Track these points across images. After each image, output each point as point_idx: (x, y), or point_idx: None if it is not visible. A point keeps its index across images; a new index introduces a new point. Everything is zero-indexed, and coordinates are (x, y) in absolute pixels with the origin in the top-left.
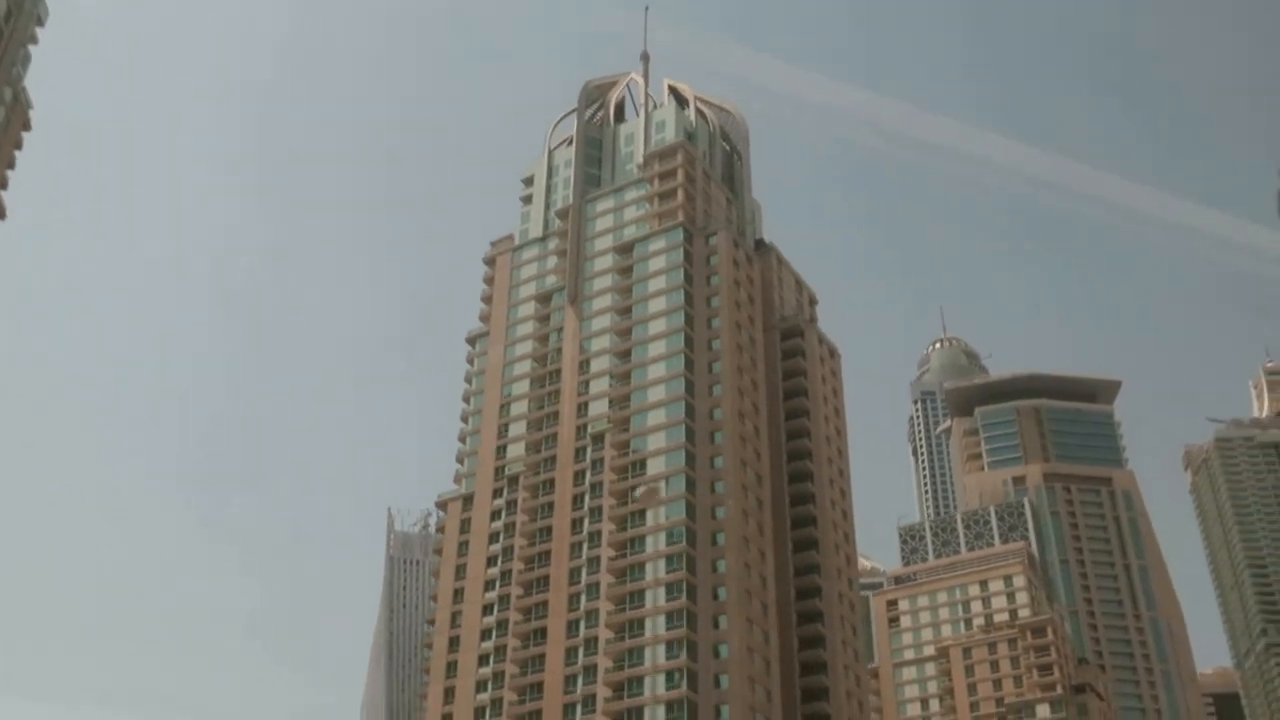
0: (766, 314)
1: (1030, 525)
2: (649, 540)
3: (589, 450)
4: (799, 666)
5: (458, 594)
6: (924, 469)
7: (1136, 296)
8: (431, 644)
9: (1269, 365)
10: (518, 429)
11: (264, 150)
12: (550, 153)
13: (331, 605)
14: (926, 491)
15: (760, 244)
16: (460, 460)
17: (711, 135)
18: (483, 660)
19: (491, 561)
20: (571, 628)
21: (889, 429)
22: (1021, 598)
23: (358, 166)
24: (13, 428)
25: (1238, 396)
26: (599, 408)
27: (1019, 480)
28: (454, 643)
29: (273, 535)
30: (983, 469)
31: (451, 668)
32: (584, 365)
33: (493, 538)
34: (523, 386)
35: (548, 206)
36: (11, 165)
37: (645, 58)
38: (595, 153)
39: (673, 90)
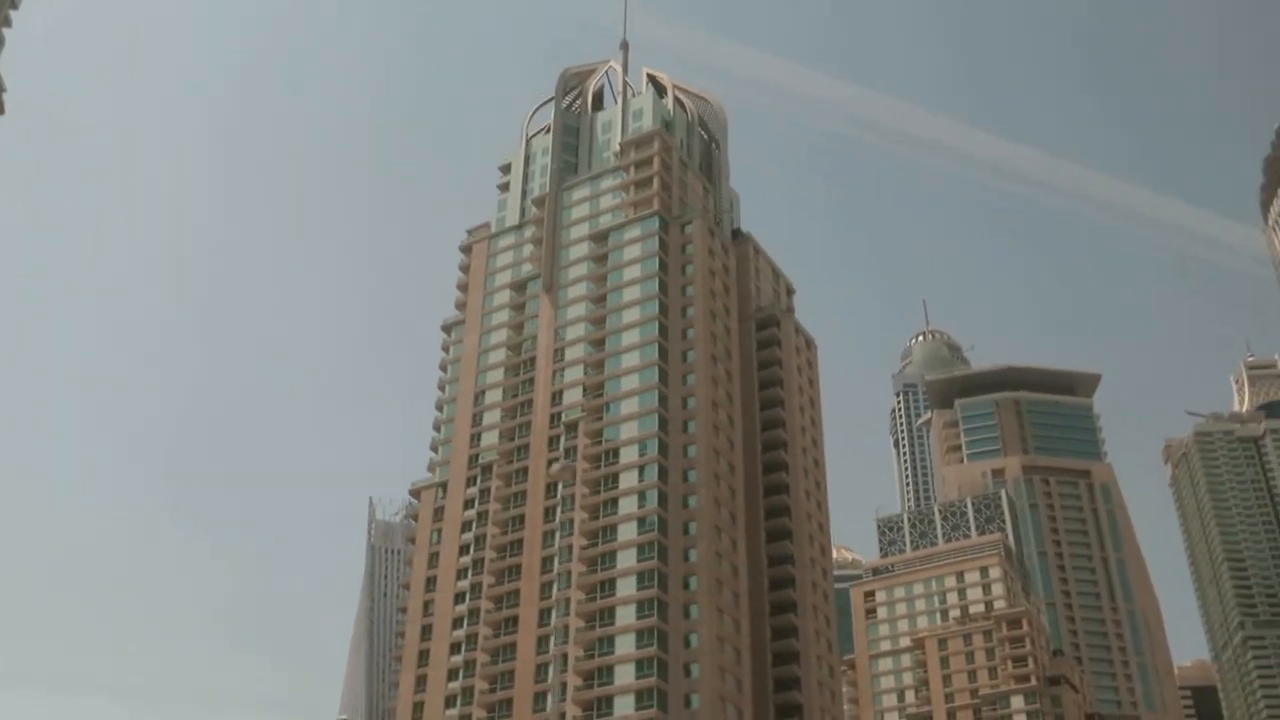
0: (743, 303)
1: (1007, 517)
2: (621, 529)
3: (562, 439)
4: (771, 656)
5: (431, 582)
6: (905, 461)
7: (1119, 291)
8: (404, 632)
9: (1250, 360)
10: (492, 417)
11: (239, 138)
12: (528, 141)
13: (313, 595)
14: (908, 484)
15: (737, 233)
16: (435, 448)
17: (689, 124)
18: (454, 648)
19: (464, 549)
20: (543, 616)
21: (872, 421)
22: (997, 589)
23: (335, 154)
24: None
25: (1220, 390)
26: (573, 396)
27: (998, 472)
28: (427, 631)
29: (251, 525)
30: (962, 461)
31: (424, 655)
32: (558, 354)
33: (466, 526)
34: (497, 375)
35: (524, 195)
36: None
37: (625, 46)
38: (572, 141)
39: (651, 79)
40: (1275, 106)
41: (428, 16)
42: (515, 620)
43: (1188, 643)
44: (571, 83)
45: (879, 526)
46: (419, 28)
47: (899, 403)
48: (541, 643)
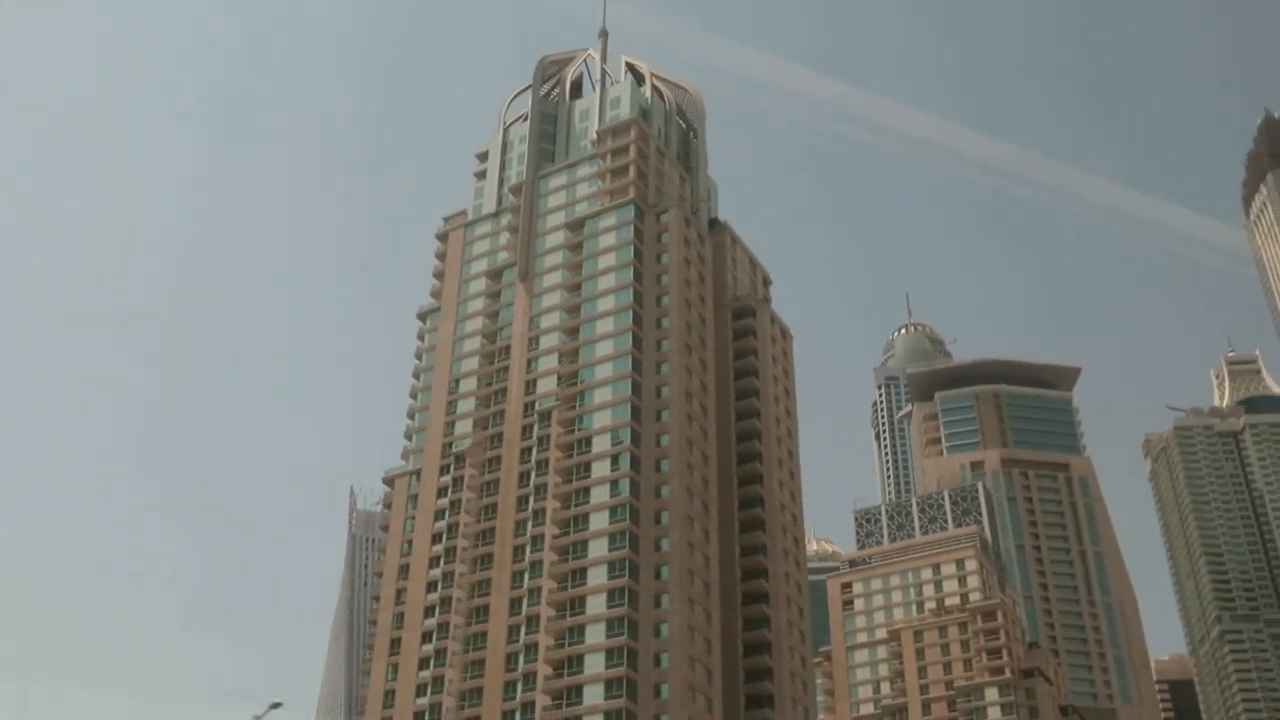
0: (719, 293)
1: (984, 509)
2: (592, 518)
3: (536, 427)
4: (743, 647)
5: (404, 570)
6: (886, 454)
7: (1102, 286)
8: (376, 620)
9: (1230, 355)
10: (466, 406)
11: (216, 125)
12: (505, 129)
13: (294, 585)
14: (889, 476)
15: (714, 223)
16: (409, 436)
17: (667, 113)
18: (426, 637)
19: (437, 538)
20: (514, 605)
21: (855, 414)
22: (973, 581)
23: (313, 141)
24: None
25: (1200, 385)
26: (547, 385)
27: (977, 465)
28: (400, 619)
29: (232, 515)
30: (941, 454)
31: (396, 644)
32: (533, 342)
33: (439, 514)
34: (472, 363)
35: (501, 183)
36: None
37: (604, 35)
38: (550, 129)
39: (630, 67)
40: (1258, 104)
41: (408, 4)
42: (487, 609)
43: (1165, 637)
44: (549, 71)
45: (856, 518)
46: (400, 15)
47: (880, 395)
48: (513, 631)
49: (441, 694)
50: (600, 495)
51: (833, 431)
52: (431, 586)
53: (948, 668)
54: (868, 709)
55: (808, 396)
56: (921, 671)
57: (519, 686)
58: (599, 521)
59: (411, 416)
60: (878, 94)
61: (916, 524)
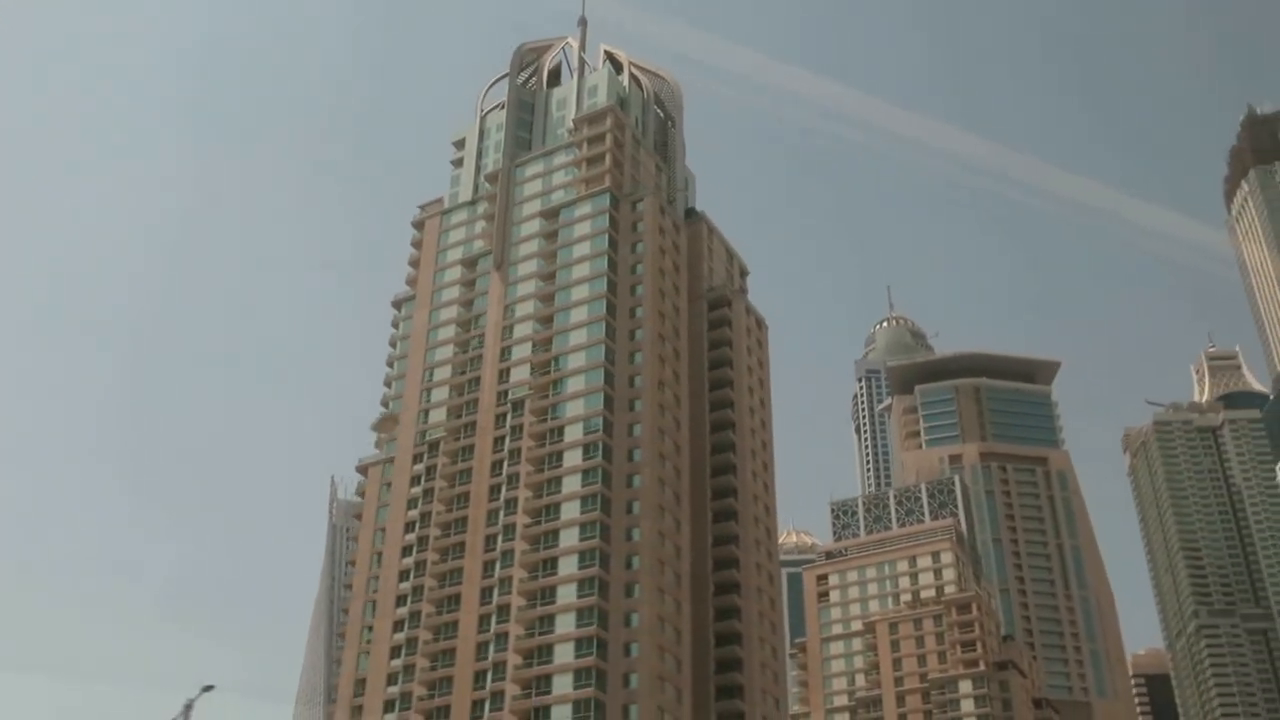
0: (694, 283)
1: (960, 502)
2: (564, 507)
3: (509, 416)
4: (714, 637)
5: (377, 559)
6: (866, 447)
7: (1084, 282)
8: (349, 608)
9: (1211, 350)
10: (440, 394)
11: (195, 116)
12: (483, 117)
13: (273, 576)
14: (869, 469)
15: (691, 213)
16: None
17: (645, 102)
18: (398, 625)
19: (410, 526)
20: (485, 594)
21: (837, 407)
22: (949, 574)
23: (293, 130)
24: None
25: (1181, 381)
26: (521, 374)
27: (956, 458)
28: (372, 607)
29: (210, 505)
30: (921, 447)
31: (368, 632)
32: (507, 331)
33: (411, 503)
34: (446, 352)
35: (478, 171)
36: None
37: (583, 23)
38: (527, 117)
39: (609, 56)
40: (1241, 100)
41: None
42: (458, 598)
43: (1143, 631)
44: (527, 58)
45: (833, 511)
46: (382, 3)
47: (861, 388)
48: (483, 621)
49: (412, 682)
50: (572, 484)
51: (814, 424)
52: (404, 575)
53: (922, 660)
54: (841, 700)
55: (790, 389)
56: (896, 664)
57: (489, 675)
58: (570, 511)
59: (386, 405)
60: (861, 89)
61: (893, 516)
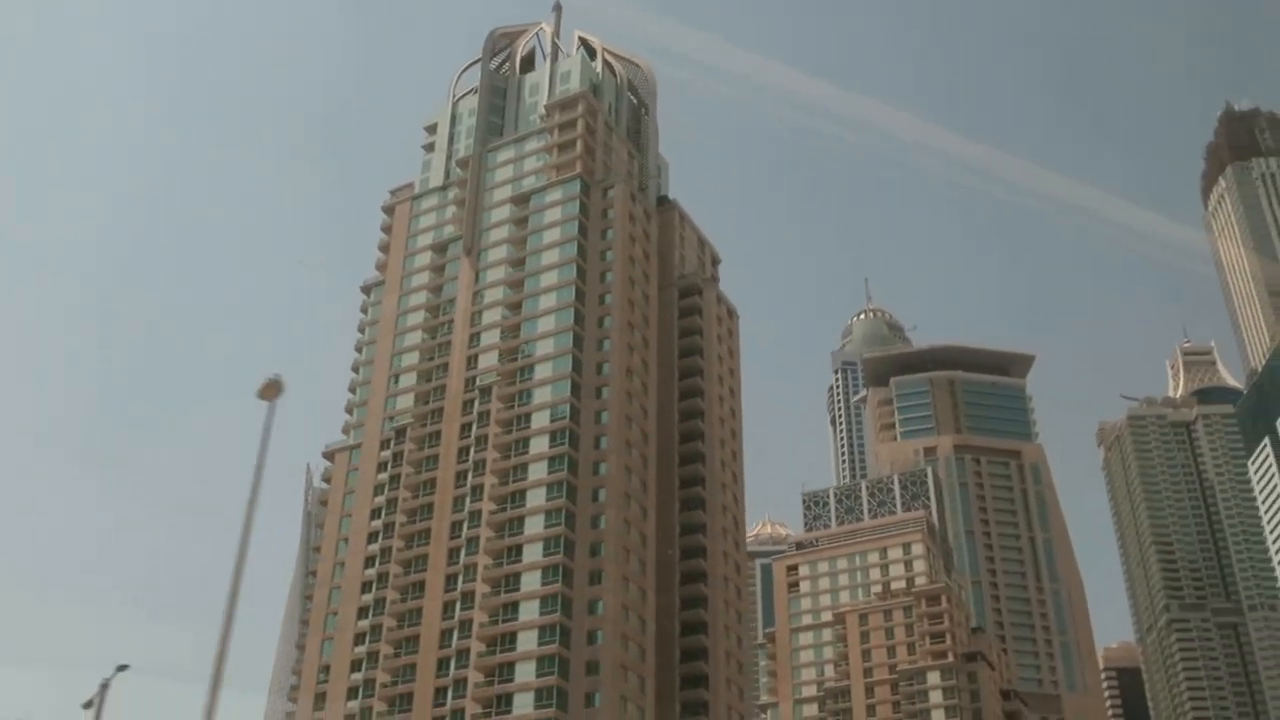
0: (665, 271)
1: (932, 494)
2: (529, 494)
3: (477, 402)
4: (680, 626)
5: (343, 545)
6: (842, 438)
7: (1062, 278)
8: (312, 595)
9: (1186, 345)
10: (408, 380)
11: (161, 96)
12: (455, 102)
13: (250, 565)
14: (844, 461)
15: (663, 200)
16: (349, 411)
17: (619, 88)
18: (362, 613)
19: (375, 514)
20: (450, 581)
21: (814, 398)
22: (919, 566)
23: (264, 115)
24: None
25: (1157, 376)
26: (489, 360)
27: (930, 451)
28: (337, 594)
29: (181, 491)
30: (895, 439)
31: (333, 619)
32: (476, 317)
33: (378, 489)
34: (415, 338)
35: (449, 156)
36: None
37: (557, 8)
38: (499, 102)
39: (583, 42)
40: (1219, 97)
41: None
42: (422, 585)
43: (1116, 625)
44: (500, 43)
45: (804, 501)
46: None
47: (837, 380)
48: (447, 607)
49: (376, 670)
50: (538, 471)
51: (791, 416)
52: (369, 561)
53: (891, 651)
54: (810, 691)
55: (769, 381)
56: (865, 654)
57: (452, 663)
58: (536, 498)
59: (353, 390)
60: (841, 84)
61: (865, 507)
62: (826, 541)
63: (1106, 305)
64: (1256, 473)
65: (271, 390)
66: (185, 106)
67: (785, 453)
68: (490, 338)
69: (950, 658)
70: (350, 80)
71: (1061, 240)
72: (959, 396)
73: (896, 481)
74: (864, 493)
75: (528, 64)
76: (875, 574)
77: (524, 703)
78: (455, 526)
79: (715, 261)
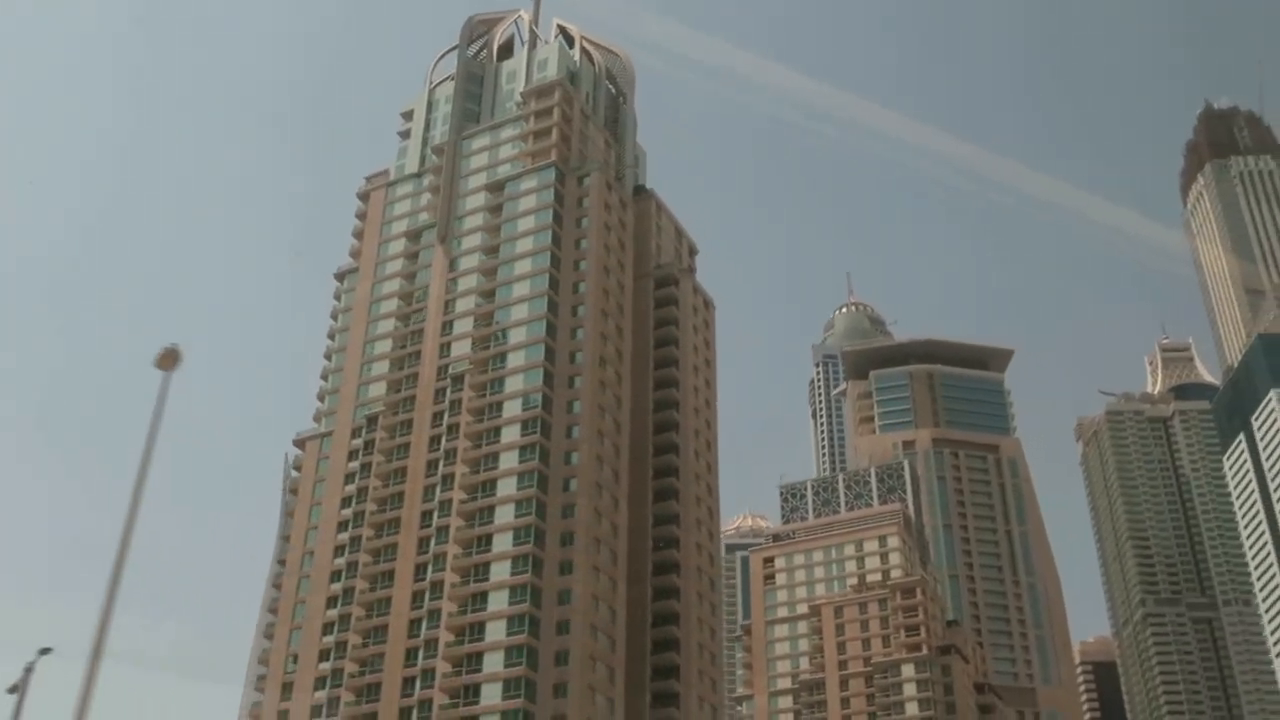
0: (642, 261)
1: (909, 487)
2: (500, 484)
3: (449, 391)
4: (652, 617)
5: (313, 534)
6: (822, 431)
7: (1043, 275)
8: (281, 584)
9: (1164, 342)
10: (380, 368)
11: (132, 79)
12: (432, 89)
13: (225, 553)
14: (825, 453)
15: (640, 190)
16: (321, 398)
17: (597, 77)
18: (331, 602)
19: (346, 502)
20: (419, 570)
21: (797, 391)
22: (895, 558)
23: (239, 99)
24: None
25: (1136, 372)
26: (461, 348)
27: (909, 444)
28: (306, 584)
29: (160, 485)
30: (875, 432)
31: (301, 608)
32: (449, 305)
33: (349, 478)
34: (388, 325)
35: (425, 143)
36: None
37: None
38: (476, 89)
39: (561, 30)
40: (1198, 95)
41: None
42: (391, 574)
43: (1092, 619)
44: (478, 30)
45: (782, 494)
46: None
47: (818, 373)
48: (416, 597)
49: (344, 660)
50: (509, 461)
51: (774, 409)
52: (339, 550)
53: (866, 644)
54: (785, 683)
55: (752, 373)
56: (840, 647)
57: (420, 653)
58: (506, 487)
59: (325, 378)
60: (824, 80)
61: (842, 500)
62: (803, 534)
63: (1086, 302)
64: (1231, 468)
65: (169, 360)
66: (158, 90)
67: (768, 445)
68: (463, 326)
69: (924, 651)
70: (328, 66)
71: (1043, 237)
72: (938, 390)
73: (873, 474)
74: (841, 486)
75: (506, 51)
76: (851, 566)
77: (492, 693)
78: (425, 515)
79: (693, 252)
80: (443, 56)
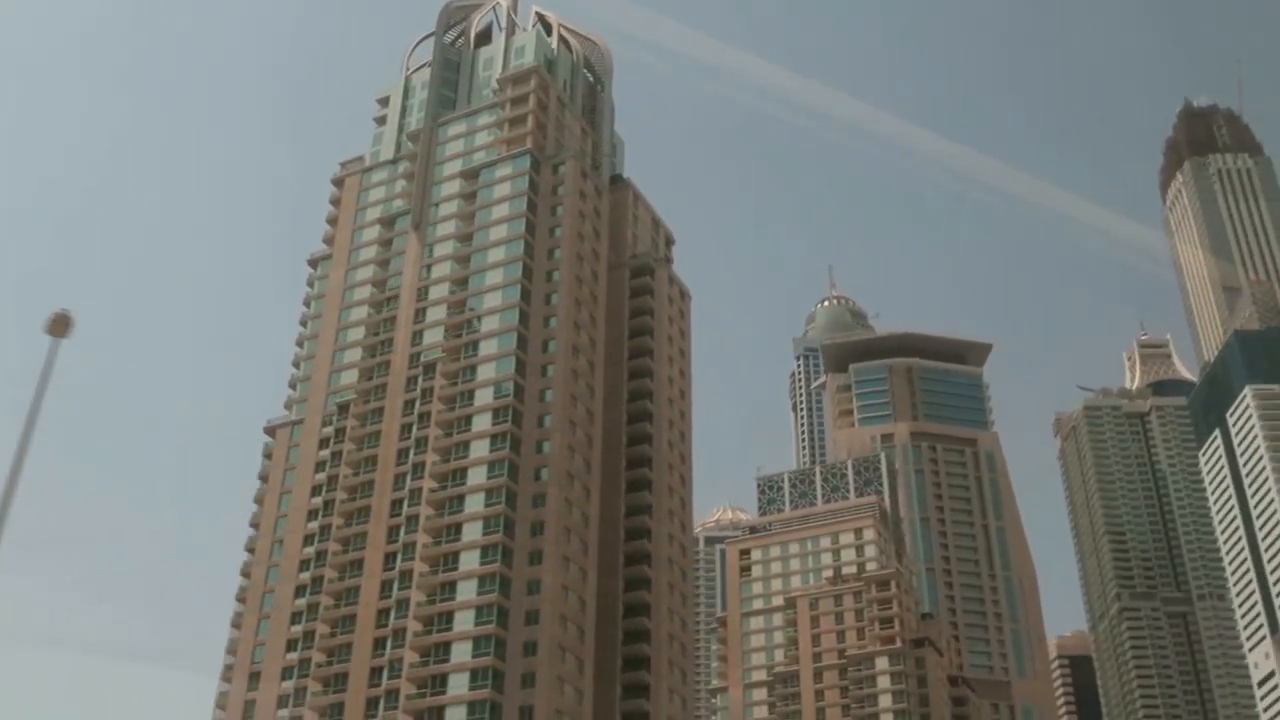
0: (618, 250)
1: (886, 480)
2: (470, 473)
3: (420, 379)
4: (623, 608)
5: (282, 523)
6: (802, 424)
7: (1023, 271)
8: (250, 573)
9: (1143, 338)
10: (352, 355)
11: (107, 63)
12: (408, 75)
13: (201, 543)
14: (805, 446)
15: (617, 179)
16: (293, 386)
17: (574, 65)
18: (299, 591)
19: (316, 491)
20: (389, 560)
21: (778, 384)
22: (871, 551)
23: (219, 85)
24: None
25: (1115, 368)
26: (434, 336)
27: (887, 437)
28: (275, 573)
29: (138, 470)
30: (854, 425)
31: (269, 598)
32: (422, 293)
33: (319, 466)
34: (360, 312)
35: (401, 129)
36: None
37: None
38: (452, 76)
39: (539, 17)
40: (1178, 93)
41: None
42: (361, 563)
43: (1069, 614)
44: (456, 16)
45: (759, 486)
46: None
47: (799, 366)
48: (385, 587)
49: (311, 649)
50: (480, 449)
51: (755, 401)
52: (308, 539)
53: (841, 636)
54: (760, 675)
55: (733, 366)
56: (815, 639)
57: (388, 643)
58: (477, 477)
59: (297, 365)
60: (804, 72)
61: (819, 493)
62: (779, 526)
63: (1066, 297)
64: (1207, 464)
65: (60, 326)
66: (139, 74)
67: (749, 438)
68: (436, 313)
69: (898, 643)
70: (311, 50)
71: (1023, 233)
72: (916, 384)
73: (850, 467)
74: (818, 478)
75: (483, 38)
76: (827, 559)
77: (459, 683)
78: (395, 504)
79: (669, 242)
80: (420, 43)
